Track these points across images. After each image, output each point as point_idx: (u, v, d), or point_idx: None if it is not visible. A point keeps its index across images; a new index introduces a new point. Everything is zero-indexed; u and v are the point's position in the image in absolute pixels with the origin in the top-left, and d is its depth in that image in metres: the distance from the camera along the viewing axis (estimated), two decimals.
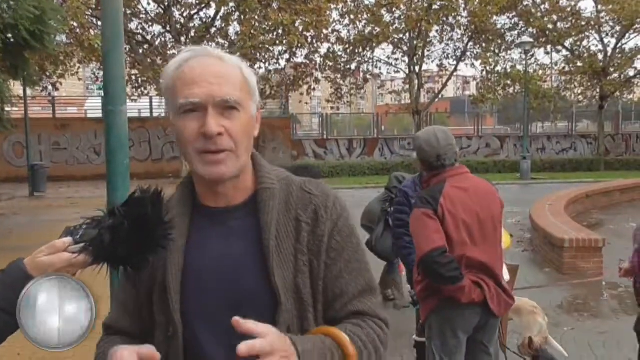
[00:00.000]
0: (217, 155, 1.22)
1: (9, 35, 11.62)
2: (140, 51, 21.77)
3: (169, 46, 22.00)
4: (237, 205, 1.31)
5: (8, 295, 1.18)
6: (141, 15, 22.38)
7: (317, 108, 40.48)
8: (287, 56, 22.96)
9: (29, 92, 18.48)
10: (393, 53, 26.16)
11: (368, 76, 27.35)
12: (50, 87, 22.87)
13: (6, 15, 11.26)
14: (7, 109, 13.58)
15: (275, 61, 23.17)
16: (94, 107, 25.60)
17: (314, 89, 25.07)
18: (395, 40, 25.18)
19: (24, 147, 19.19)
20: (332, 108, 26.58)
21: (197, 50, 1.28)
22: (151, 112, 24.64)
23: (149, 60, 21.50)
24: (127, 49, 22.03)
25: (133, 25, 22.14)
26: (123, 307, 1.34)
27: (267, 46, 21.16)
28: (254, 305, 1.21)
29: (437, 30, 25.34)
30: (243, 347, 1.04)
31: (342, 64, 25.36)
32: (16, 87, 17.83)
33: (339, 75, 25.53)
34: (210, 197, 1.31)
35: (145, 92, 23.13)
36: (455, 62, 26.96)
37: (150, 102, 24.47)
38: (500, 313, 2.91)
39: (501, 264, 2.96)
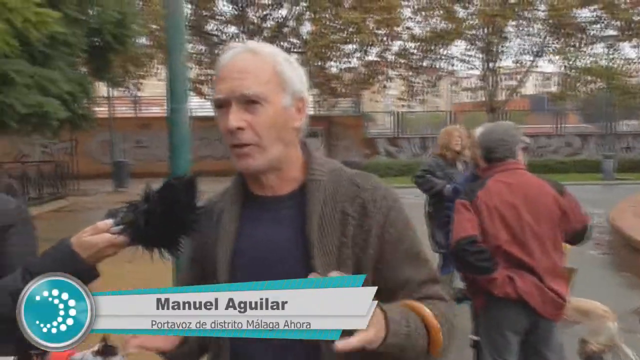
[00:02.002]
0: (241, 149, 1.27)
1: (95, 39, 12.36)
2: (217, 52, 22.48)
3: None
4: (285, 194, 1.34)
5: (56, 269, 1.30)
6: (217, 17, 23.08)
7: (391, 106, 40.22)
8: (358, 54, 23.02)
9: (113, 92, 19.52)
10: (467, 49, 25.64)
11: (441, 73, 26.93)
12: (132, 88, 24.02)
13: (92, 20, 11.96)
14: (94, 108, 14.45)
15: (347, 59, 23.28)
16: None
17: (386, 87, 24.96)
18: (469, 36, 24.66)
19: (109, 145, 20.29)
20: (403, 106, 26.34)
21: (236, 47, 1.33)
22: None
23: None
24: (205, 50, 22.85)
25: (210, 27, 22.91)
26: (183, 284, 1.44)
27: (339, 45, 21.29)
28: None
29: (513, 25, 24.59)
30: (341, 348, 1.04)
31: (415, 61, 25.10)
32: (101, 88, 18.92)
33: (411, 73, 25.29)
34: (256, 187, 1.36)
35: None
36: (532, 58, 26.07)
37: None
38: (548, 314, 2.83)
39: (553, 264, 2.88)
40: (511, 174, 2.93)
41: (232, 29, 23.12)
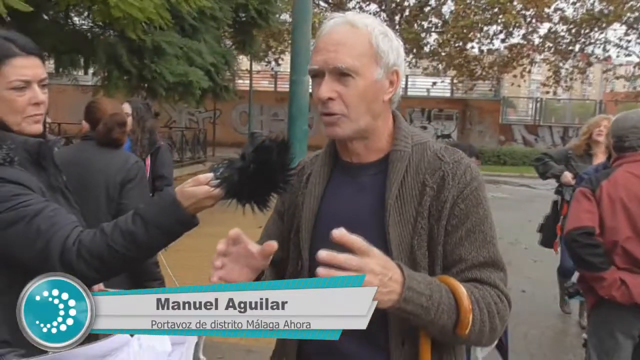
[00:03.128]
0: (330, 118, 1.33)
1: (241, 15, 12.98)
2: None
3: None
4: (370, 163, 1.41)
5: (160, 215, 1.45)
6: None
7: (536, 92, 38.01)
8: (502, 36, 21.97)
9: (255, 66, 20.41)
10: (626, 34, 23.44)
11: (593, 59, 24.92)
12: (273, 62, 24.94)
13: None
14: (236, 81, 15.23)
15: (489, 41, 22.33)
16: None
17: (530, 72, 23.64)
18: (630, 19, 22.50)
19: (247, 116, 21.36)
20: (547, 92, 24.79)
21: (335, 17, 1.37)
22: None
23: None
24: None
25: (351, 4, 23.02)
26: (269, 237, 1.53)
27: (481, 25, 20.47)
28: None
29: None
30: (337, 233, 1.09)
31: (564, 45, 23.44)
32: (244, 62, 19.87)
33: (559, 57, 23.68)
34: (345, 154, 1.43)
35: None
36: None
37: None
38: None
39: None
40: None
41: (373, 7, 23.05)
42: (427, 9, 21.92)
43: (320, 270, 1.07)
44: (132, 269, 1.53)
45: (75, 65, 9.93)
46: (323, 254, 1.07)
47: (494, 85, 25.30)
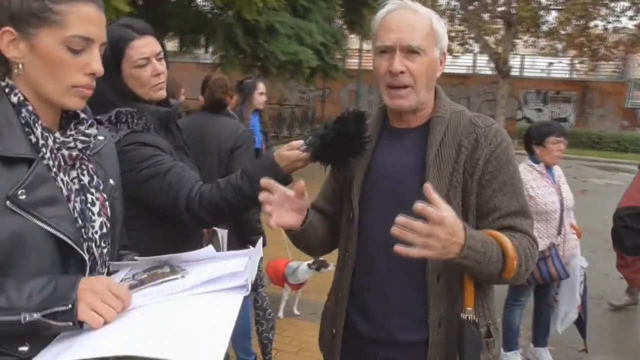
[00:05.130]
0: (399, 91, 1.58)
1: None
2: (470, 8, 22.01)
3: (499, 2, 21.72)
4: (415, 127, 1.66)
5: (262, 173, 1.75)
6: None
7: None
8: (630, 13, 20.46)
9: (365, 46, 20.58)
10: None
11: None
12: None
13: None
14: (345, 60, 15.52)
15: (616, 18, 20.87)
16: None
17: None
18: None
19: (355, 95, 21.65)
20: None
21: (399, 3, 1.61)
22: (474, 69, 24.92)
23: (476, 17, 21.62)
24: (457, 6, 22.53)
25: None
26: (324, 194, 1.86)
27: (607, 1, 19.21)
28: (409, 207, 1.57)
29: None
30: (419, 205, 1.28)
31: None
32: (354, 41, 20.10)
33: None
34: (395, 120, 1.70)
35: (470, 48, 23.45)
36: None
37: (474, 59, 24.71)
38: None
39: None
40: None
41: None
42: None
43: (395, 230, 1.31)
44: (239, 215, 1.86)
45: (196, 44, 10.70)
46: (401, 219, 1.30)
47: (619, 66, 23.69)
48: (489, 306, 1.66)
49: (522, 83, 23.25)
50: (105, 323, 1.12)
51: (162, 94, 1.95)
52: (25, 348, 1.13)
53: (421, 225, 1.31)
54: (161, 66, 1.93)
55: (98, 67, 1.21)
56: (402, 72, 1.55)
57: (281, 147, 1.81)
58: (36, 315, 1.08)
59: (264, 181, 1.56)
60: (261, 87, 4.78)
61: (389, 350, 1.64)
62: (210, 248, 1.38)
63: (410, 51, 1.55)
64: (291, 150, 1.76)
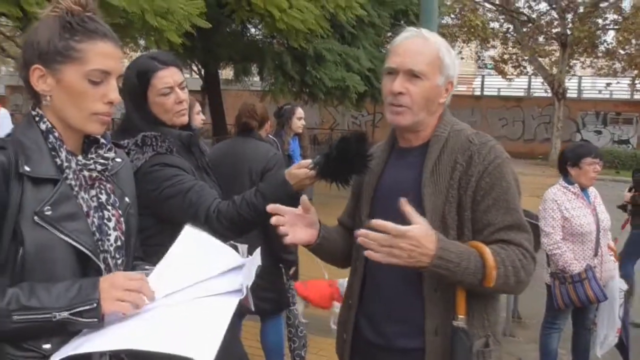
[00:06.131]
0: (397, 108, 1.68)
1: (400, 20, 13.35)
2: (524, 29, 21.78)
3: (554, 24, 21.41)
4: (417, 146, 1.75)
5: (273, 191, 1.86)
6: None
7: None
8: None
9: None
10: None
11: None
12: None
13: (399, 2, 12.92)
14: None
15: None
16: (484, 86, 26.71)
17: None
18: None
19: None
20: None
21: (414, 31, 1.73)
22: (528, 92, 24.53)
23: (529, 39, 21.36)
24: (510, 29, 22.33)
25: (520, 4, 22.25)
26: (346, 209, 1.98)
27: None
28: (407, 221, 1.65)
29: None
30: (373, 222, 1.43)
31: None
32: None
33: None
34: (401, 140, 1.80)
35: (525, 71, 23.13)
36: None
37: (529, 81, 24.35)
38: None
39: None
40: None
41: (543, 5, 22.05)
42: (603, 4, 20.43)
43: (359, 240, 1.45)
44: (252, 230, 1.97)
45: (247, 72, 11.08)
46: (361, 231, 1.46)
47: None
48: (490, 318, 1.71)
49: (579, 105, 22.69)
50: (136, 307, 1.27)
51: (184, 119, 2.12)
52: (48, 345, 1.27)
53: (379, 237, 1.44)
54: (183, 94, 2.10)
55: (115, 96, 1.36)
56: (401, 93, 1.66)
57: (292, 165, 1.94)
58: (65, 314, 1.23)
59: (271, 207, 1.69)
60: (299, 112, 4.95)
61: (389, 356, 1.72)
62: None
63: (413, 75, 1.65)
64: (300, 169, 1.88)
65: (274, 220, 1.66)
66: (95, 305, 1.24)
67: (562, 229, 3.68)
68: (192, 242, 1.52)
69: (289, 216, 1.68)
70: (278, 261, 3.33)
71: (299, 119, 4.93)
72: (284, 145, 4.69)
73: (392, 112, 1.71)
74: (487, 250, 1.54)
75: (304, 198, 1.70)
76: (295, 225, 1.70)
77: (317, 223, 1.76)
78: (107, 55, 1.34)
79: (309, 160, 1.87)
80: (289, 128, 4.88)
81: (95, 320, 1.25)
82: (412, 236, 1.45)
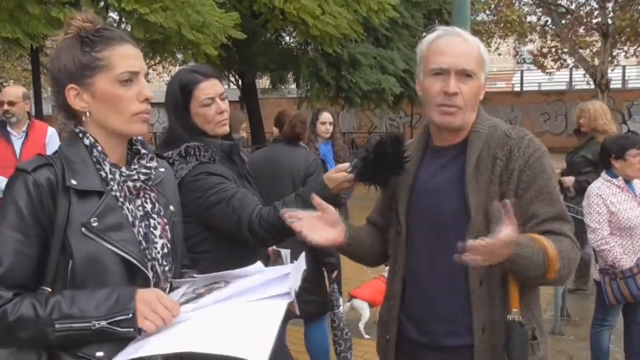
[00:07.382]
0: (450, 109, 1.67)
1: (435, 20, 13.29)
2: (563, 22, 21.29)
3: (594, 14, 20.86)
4: (454, 144, 1.76)
5: (311, 195, 1.92)
6: None
7: None
8: None
9: None
10: None
11: None
12: None
13: (432, 2, 12.87)
14: None
15: None
16: (524, 81, 26.27)
17: None
18: None
19: None
20: None
21: (448, 30, 1.74)
22: (570, 85, 23.96)
23: (569, 31, 20.87)
24: (548, 21, 21.88)
25: None
26: (377, 208, 1.99)
27: None
28: (448, 221, 1.67)
29: None
30: (472, 243, 1.34)
31: None
32: None
33: None
34: (438, 139, 1.80)
35: (565, 64, 22.60)
36: None
37: (570, 74, 23.78)
38: None
39: None
40: None
41: None
42: None
43: (464, 259, 1.37)
44: (293, 234, 1.99)
45: (283, 80, 11.20)
46: (468, 245, 1.36)
47: None
48: (534, 310, 1.71)
49: (624, 95, 22.01)
50: (157, 329, 1.29)
51: (226, 129, 2.18)
52: (101, 353, 1.32)
53: (482, 251, 1.38)
54: (224, 105, 2.15)
55: (148, 92, 1.41)
56: (455, 94, 1.66)
57: (330, 170, 1.97)
58: (103, 323, 1.27)
59: (284, 214, 1.73)
60: (323, 116, 4.95)
61: (437, 355, 1.73)
62: (258, 264, 1.56)
63: (465, 75, 1.66)
64: (338, 173, 1.91)
65: (292, 224, 1.70)
66: (131, 315, 1.27)
67: (609, 224, 3.60)
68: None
69: (306, 219, 1.71)
70: (320, 265, 3.38)
71: (323, 123, 4.92)
72: (315, 151, 4.71)
73: (443, 113, 1.69)
74: (547, 243, 1.53)
75: (314, 197, 1.73)
76: (314, 226, 1.72)
77: (340, 222, 1.78)
78: (129, 57, 1.39)
79: (347, 164, 1.91)
80: (314, 133, 4.90)
81: (132, 329, 1.28)
82: (510, 242, 1.41)
